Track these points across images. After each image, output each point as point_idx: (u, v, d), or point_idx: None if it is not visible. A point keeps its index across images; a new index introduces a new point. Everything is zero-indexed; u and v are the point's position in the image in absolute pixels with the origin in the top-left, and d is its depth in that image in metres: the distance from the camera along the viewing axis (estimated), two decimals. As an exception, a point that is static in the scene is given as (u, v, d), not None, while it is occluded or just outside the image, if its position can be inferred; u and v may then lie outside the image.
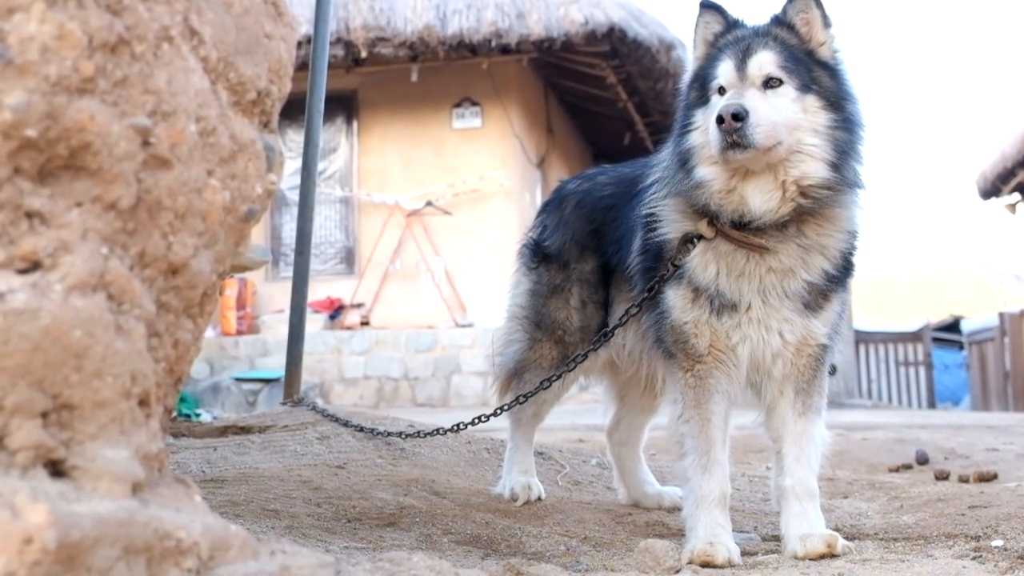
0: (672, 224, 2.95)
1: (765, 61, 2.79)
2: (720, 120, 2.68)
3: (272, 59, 1.81)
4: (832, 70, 2.85)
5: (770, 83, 2.77)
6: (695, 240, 2.88)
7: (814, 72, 2.82)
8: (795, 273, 2.82)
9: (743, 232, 2.80)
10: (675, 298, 2.92)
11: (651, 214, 3.03)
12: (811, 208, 2.78)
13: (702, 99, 2.89)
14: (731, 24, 2.96)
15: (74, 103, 1.39)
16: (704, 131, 2.83)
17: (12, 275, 1.34)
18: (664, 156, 3.06)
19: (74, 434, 1.36)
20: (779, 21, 2.91)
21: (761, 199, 2.76)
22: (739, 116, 2.67)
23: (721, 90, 2.83)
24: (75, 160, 1.41)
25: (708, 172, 2.81)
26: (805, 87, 2.78)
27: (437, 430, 4.01)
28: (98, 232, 1.43)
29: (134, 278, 1.48)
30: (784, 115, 2.72)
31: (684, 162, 2.87)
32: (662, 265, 2.96)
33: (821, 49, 2.86)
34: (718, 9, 2.99)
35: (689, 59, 3.08)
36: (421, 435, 4.18)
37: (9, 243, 1.35)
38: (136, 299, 1.47)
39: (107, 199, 1.44)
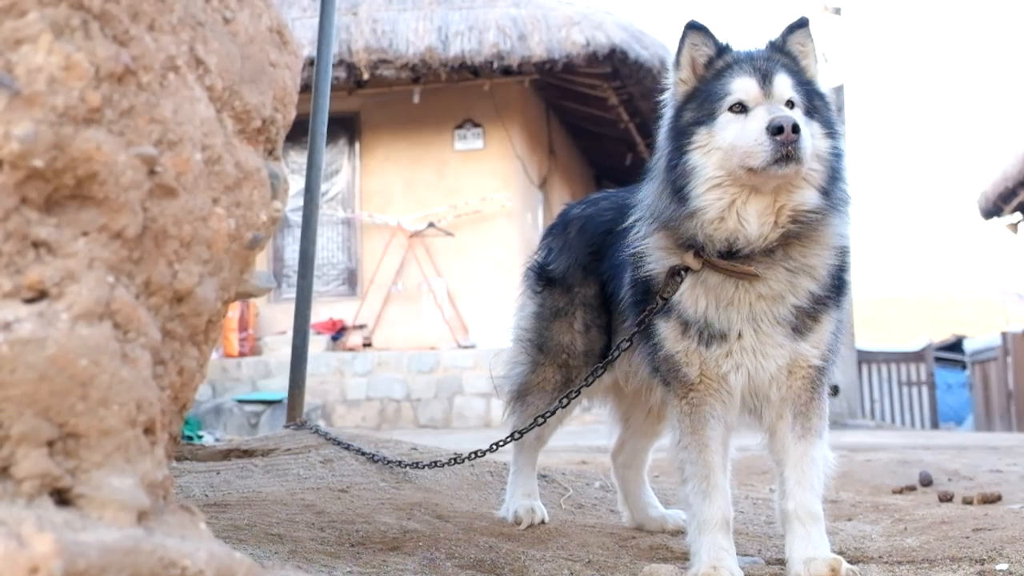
0: (658, 260, 2.92)
1: (785, 82, 2.76)
2: (778, 130, 2.59)
3: (277, 87, 1.83)
4: (824, 101, 2.87)
5: (789, 104, 2.74)
6: (682, 272, 2.84)
7: (814, 100, 2.83)
8: (784, 298, 2.80)
9: (731, 261, 2.77)
10: (666, 329, 2.92)
11: (635, 253, 2.98)
12: (798, 232, 2.76)
13: (706, 117, 2.77)
14: (722, 48, 2.88)
15: (81, 133, 1.40)
16: (708, 151, 2.73)
17: (19, 304, 1.34)
18: (646, 193, 2.97)
19: (80, 463, 1.37)
20: (779, 48, 2.89)
21: (758, 223, 2.71)
22: (797, 128, 2.60)
23: (739, 107, 2.73)
24: (81, 190, 1.42)
25: (707, 198, 2.72)
26: (810, 113, 2.79)
27: (435, 462, 4.03)
28: (104, 261, 1.44)
29: (140, 306, 1.48)
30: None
31: (679, 188, 2.76)
32: (651, 298, 2.94)
33: (816, 79, 2.89)
34: (707, 31, 2.90)
35: (671, 81, 2.94)
36: (420, 467, 4.17)
37: (16, 272, 1.36)
38: (142, 327, 1.47)
39: (113, 228, 1.45)
